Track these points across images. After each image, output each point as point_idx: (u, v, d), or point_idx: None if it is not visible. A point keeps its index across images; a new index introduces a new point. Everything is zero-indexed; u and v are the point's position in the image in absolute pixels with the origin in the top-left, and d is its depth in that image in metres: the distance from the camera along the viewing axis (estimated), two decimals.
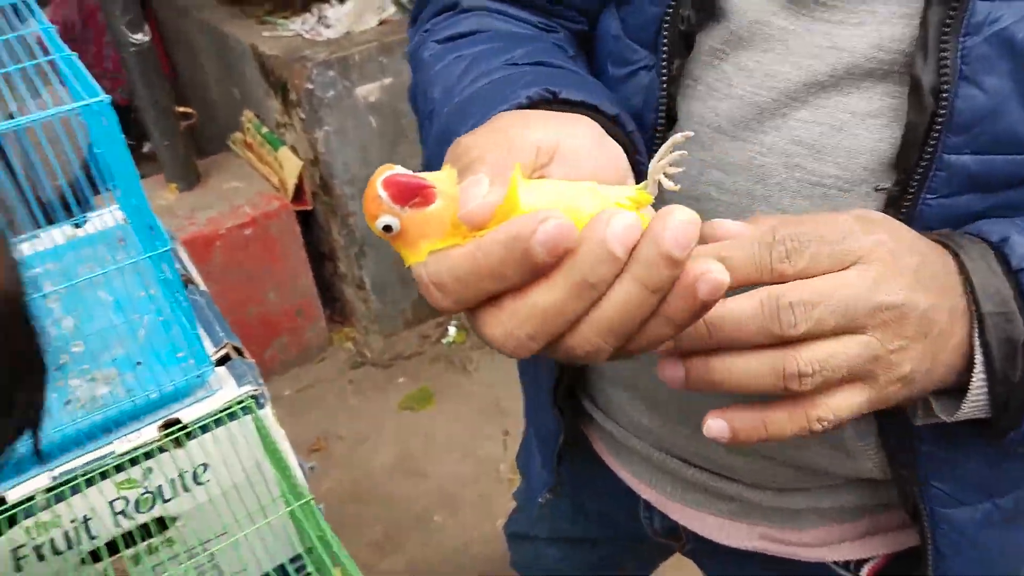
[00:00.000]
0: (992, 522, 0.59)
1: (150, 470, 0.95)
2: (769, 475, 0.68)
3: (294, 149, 2.33)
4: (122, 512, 0.95)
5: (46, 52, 1.01)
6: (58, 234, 1.27)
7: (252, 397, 0.99)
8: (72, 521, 0.92)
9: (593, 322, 0.35)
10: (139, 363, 1.05)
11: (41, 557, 0.92)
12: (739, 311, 0.41)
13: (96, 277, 1.10)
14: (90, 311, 1.12)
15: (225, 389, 1.00)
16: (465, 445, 2.27)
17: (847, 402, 0.43)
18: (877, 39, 0.51)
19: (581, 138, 0.42)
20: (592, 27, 0.66)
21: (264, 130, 2.41)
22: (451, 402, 2.40)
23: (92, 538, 0.94)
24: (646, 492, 0.81)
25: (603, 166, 0.42)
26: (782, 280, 0.42)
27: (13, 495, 0.89)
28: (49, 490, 0.90)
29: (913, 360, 0.43)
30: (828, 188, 0.54)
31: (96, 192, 1.20)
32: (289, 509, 0.86)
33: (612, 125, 0.50)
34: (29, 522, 0.89)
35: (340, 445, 2.32)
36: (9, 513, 0.88)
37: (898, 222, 0.46)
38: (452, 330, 2.61)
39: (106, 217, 1.30)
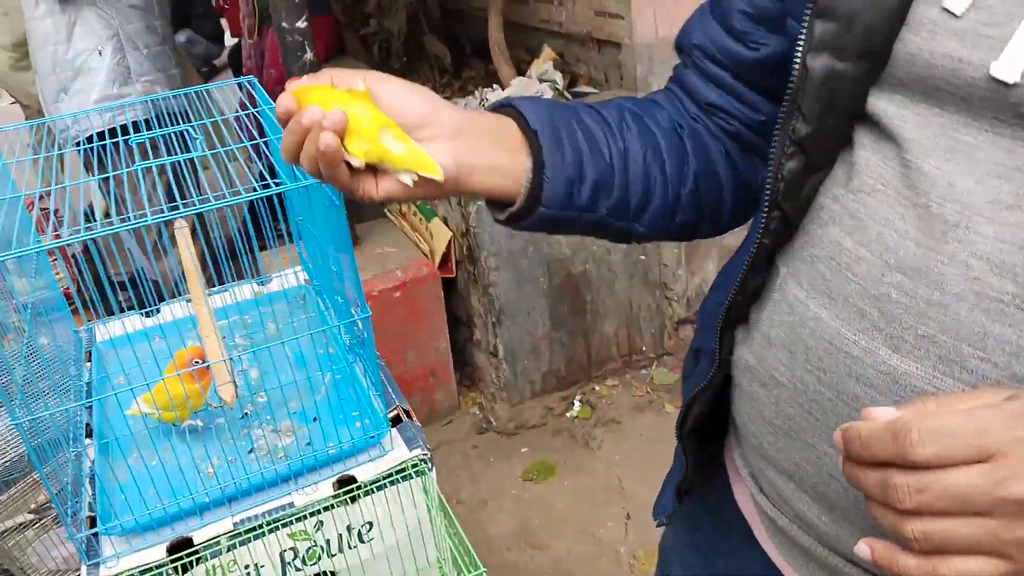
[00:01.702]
0: None
1: (321, 524, 1.00)
2: None
3: (444, 220, 2.43)
4: (290, 563, 1.00)
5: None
6: (247, 290, 1.37)
7: (422, 460, 1.03)
8: (246, 567, 0.97)
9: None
10: (315, 418, 1.11)
11: None
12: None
13: (281, 335, 1.18)
14: (274, 365, 1.19)
15: (396, 450, 1.05)
16: (585, 523, 2.25)
17: (975, 567, 0.44)
18: None
19: (396, 89, 0.64)
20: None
21: (419, 202, 2.53)
22: (573, 477, 2.39)
23: None
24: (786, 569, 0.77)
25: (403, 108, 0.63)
26: (911, 464, 0.44)
27: (199, 536, 0.95)
28: (233, 535, 0.96)
29: None
30: (1007, 305, 0.54)
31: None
32: None
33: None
34: (210, 564, 0.95)
35: (460, 509, 2.34)
36: (194, 555, 0.94)
37: None
38: (577, 405, 2.61)
39: (290, 277, 1.39)
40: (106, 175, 0.97)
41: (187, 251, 1.16)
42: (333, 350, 1.25)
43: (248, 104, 1.15)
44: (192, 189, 0.96)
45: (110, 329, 1.34)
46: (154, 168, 2.27)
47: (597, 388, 2.66)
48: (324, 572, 1.03)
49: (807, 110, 0.61)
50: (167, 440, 1.09)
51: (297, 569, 1.00)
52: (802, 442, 0.66)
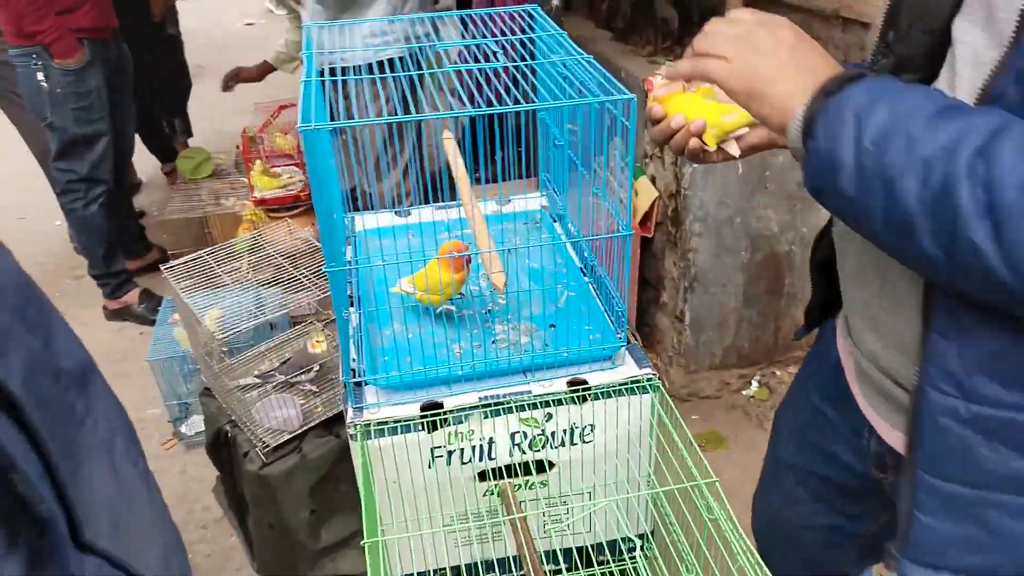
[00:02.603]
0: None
1: (550, 416, 1.09)
2: None
3: (652, 180, 2.48)
4: (518, 445, 1.10)
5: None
6: (489, 206, 1.48)
7: (649, 378, 1.10)
8: (481, 439, 1.08)
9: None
10: (552, 325, 1.20)
11: (449, 462, 1.09)
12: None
13: (523, 247, 1.28)
14: (516, 275, 1.29)
15: (627, 366, 1.12)
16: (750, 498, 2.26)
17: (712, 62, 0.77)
18: None
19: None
20: None
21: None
22: (743, 452, 2.40)
23: (491, 459, 1.10)
24: (868, 413, 0.90)
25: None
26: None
27: (449, 403, 1.07)
28: (475, 407, 1.07)
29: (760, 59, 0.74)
30: None
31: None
32: (680, 486, 0.95)
33: None
34: (453, 428, 1.06)
35: None
36: (441, 416, 1.06)
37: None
38: (755, 385, 2.61)
39: (529, 201, 1.50)
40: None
41: (458, 158, 1.27)
42: (565, 270, 1.34)
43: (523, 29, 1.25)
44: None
45: (366, 221, 1.49)
46: (381, 95, 2.43)
47: (778, 373, 2.64)
48: (544, 461, 1.13)
49: (900, 23, 0.73)
50: (420, 319, 1.22)
51: (523, 452, 1.10)
52: (866, 283, 0.82)
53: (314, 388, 2.00)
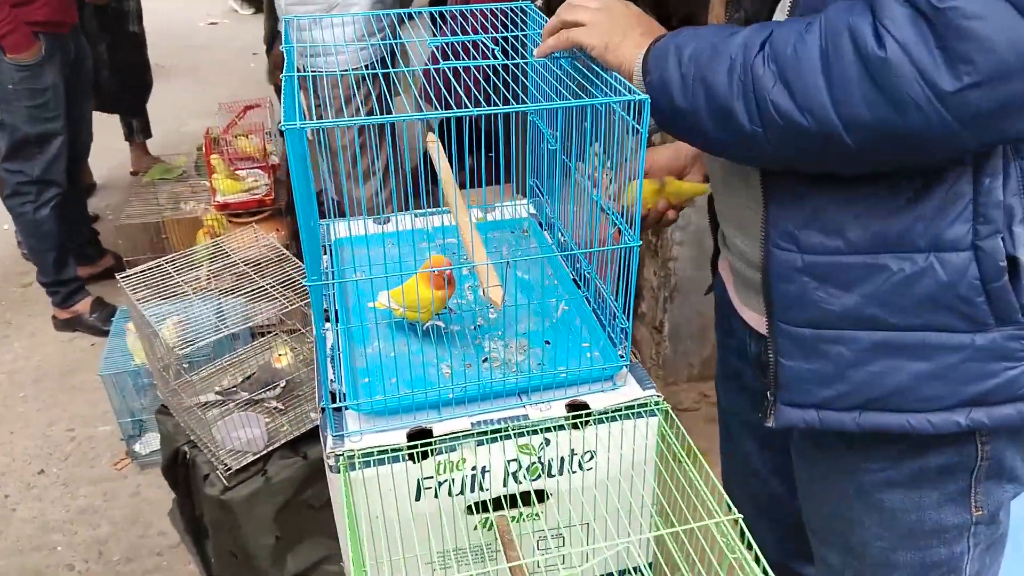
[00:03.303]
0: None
1: (547, 442, 1.00)
2: None
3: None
4: (513, 474, 1.01)
5: None
6: (473, 213, 1.39)
7: (655, 401, 1.01)
8: (473, 468, 0.99)
9: None
10: (547, 342, 1.11)
11: (438, 494, 0.99)
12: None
13: (515, 259, 1.19)
14: (504, 286, 1.20)
15: (629, 387, 1.04)
16: None
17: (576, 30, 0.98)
18: None
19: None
20: None
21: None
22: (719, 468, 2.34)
23: (484, 490, 1.01)
24: (743, 312, 1.08)
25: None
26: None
27: (438, 429, 0.97)
28: (468, 434, 0.97)
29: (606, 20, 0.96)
30: None
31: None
32: (716, 521, 0.86)
33: None
34: (443, 457, 0.97)
35: None
36: (429, 445, 0.96)
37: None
38: None
39: (518, 209, 1.41)
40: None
41: (443, 160, 1.18)
42: (557, 282, 1.25)
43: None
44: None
45: (342, 229, 1.39)
46: (357, 97, 2.33)
47: None
48: (538, 491, 1.04)
49: None
50: (404, 336, 1.12)
51: (518, 481, 1.01)
52: (733, 188, 1.02)
53: (279, 406, 1.89)
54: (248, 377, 1.91)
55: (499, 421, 0.99)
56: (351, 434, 0.97)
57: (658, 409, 1.00)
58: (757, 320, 1.03)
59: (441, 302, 1.08)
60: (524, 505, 1.04)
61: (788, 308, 0.91)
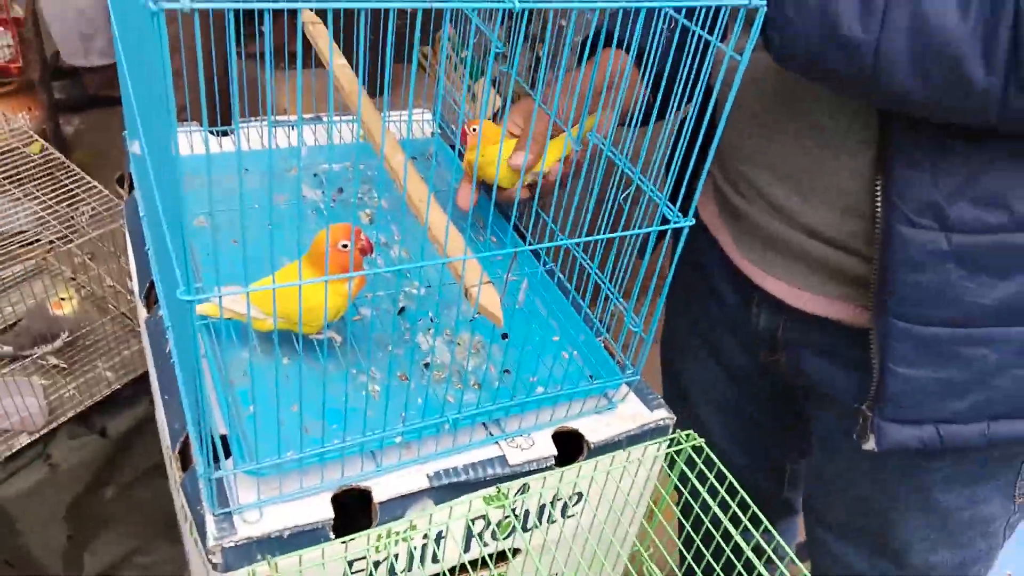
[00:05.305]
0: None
1: (526, 488, 0.71)
2: None
3: None
4: (478, 535, 0.71)
5: None
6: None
7: (665, 424, 0.75)
8: (425, 537, 0.68)
9: None
10: (505, 335, 0.80)
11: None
12: None
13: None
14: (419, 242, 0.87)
15: (628, 405, 0.76)
16: None
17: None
18: None
19: None
20: None
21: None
22: None
23: (435, 562, 0.71)
24: (767, 283, 0.85)
25: None
26: None
27: (379, 490, 0.65)
28: (423, 492, 0.66)
29: None
30: None
31: None
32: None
33: None
34: (385, 528, 0.65)
35: None
36: (369, 520, 0.64)
37: None
38: None
39: (419, 126, 1.05)
40: None
41: (331, 43, 0.79)
42: (494, 239, 0.93)
43: None
44: None
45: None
46: None
47: None
48: (508, 550, 0.75)
49: None
50: (271, 350, 0.75)
51: (483, 543, 0.72)
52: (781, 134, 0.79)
53: (61, 363, 1.42)
54: (12, 325, 1.42)
55: (466, 469, 0.68)
56: (244, 510, 0.62)
57: (662, 439, 0.74)
58: (793, 294, 0.83)
59: (343, 306, 0.71)
60: (482, 568, 0.76)
61: (918, 304, 0.70)
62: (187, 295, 0.49)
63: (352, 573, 0.66)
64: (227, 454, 0.63)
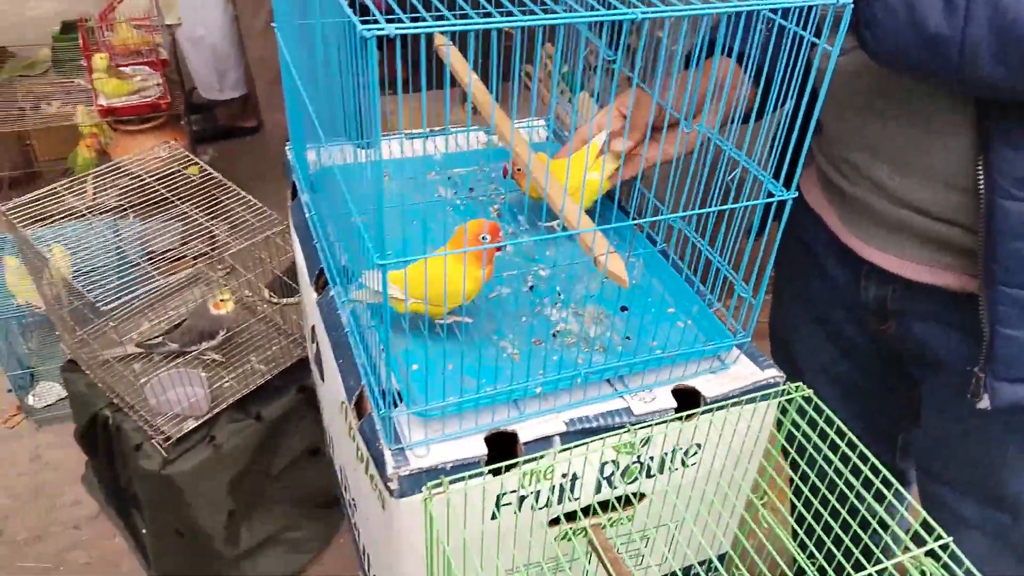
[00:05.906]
0: None
1: (648, 439, 0.81)
2: None
3: None
4: (608, 478, 0.81)
5: None
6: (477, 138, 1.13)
7: (775, 382, 0.84)
8: (563, 476, 0.79)
9: None
10: (624, 307, 0.90)
11: (520, 508, 0.79)
12: None
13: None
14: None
15: (739, 366, 0.85)
16: None
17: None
18: None
19: None
20: None
21: None
22: None
23: (573, 499, 0.81)
24: (873, 255, 0.93)
25: None
26: None
27: (524, 432, 0.76)
28: (559, 435, 0.77)
29: None
30: None
31: None
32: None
33: None
34: (528, 467, 0.76)
35: None
36: (516, 454, 0.75)
37: None
38: None
39: (535, 132, 1.16)
40: None
41: (465, 64, 0.92)
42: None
43: None
44: None
45: (313, 154, 1.10)
46: None
47: None
48: (633, 494, 0.85)
49: None
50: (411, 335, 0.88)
51: (612, 486, 0.82)
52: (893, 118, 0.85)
53: (219, 358, 1.60)
54: (178, 325, 1.61)
55: (596, 418, 0.78)
56: (414, 446, 0.74)
57: (772, 396, 0.82)
58: (900, 264, 0.91)
59: (476, 290, 0.84)
60: (613, 510, 0.85)
61: (1019, 270, 0.77)
62: (382, 259, 0.62)
63: (499, 506, 0.78)
64: (395, 405, 0.76)
